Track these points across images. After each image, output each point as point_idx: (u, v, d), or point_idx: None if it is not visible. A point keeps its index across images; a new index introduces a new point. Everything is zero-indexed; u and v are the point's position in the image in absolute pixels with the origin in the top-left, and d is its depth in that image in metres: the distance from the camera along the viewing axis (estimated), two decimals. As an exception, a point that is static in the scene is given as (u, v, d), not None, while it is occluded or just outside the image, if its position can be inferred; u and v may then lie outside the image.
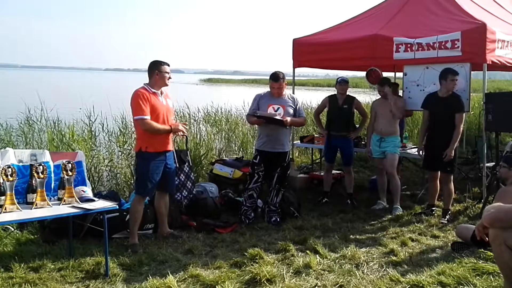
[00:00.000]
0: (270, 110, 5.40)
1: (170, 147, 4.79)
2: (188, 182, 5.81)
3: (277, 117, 5.30)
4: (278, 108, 5.37)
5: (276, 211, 5.62)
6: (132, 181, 6.71)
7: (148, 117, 4.47)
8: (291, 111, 5.43)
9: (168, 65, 4.70)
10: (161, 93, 4.71)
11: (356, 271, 4.04)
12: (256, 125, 5.92)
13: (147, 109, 4.48)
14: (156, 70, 4.62)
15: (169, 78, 4.69)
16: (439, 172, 5.72)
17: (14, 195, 3.67)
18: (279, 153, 5.46)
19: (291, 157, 8.16)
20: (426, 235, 5.10)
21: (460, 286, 3.67)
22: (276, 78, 5.35)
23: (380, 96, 6.43)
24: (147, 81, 4.67)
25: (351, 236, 5.05)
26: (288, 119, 5.33)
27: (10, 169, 3.66)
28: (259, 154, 5.51)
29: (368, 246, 4.73)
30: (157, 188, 4.82)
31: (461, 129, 5.59)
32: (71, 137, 7.90)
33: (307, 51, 7.32)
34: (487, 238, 3.08)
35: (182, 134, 4.89)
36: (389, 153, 6.10)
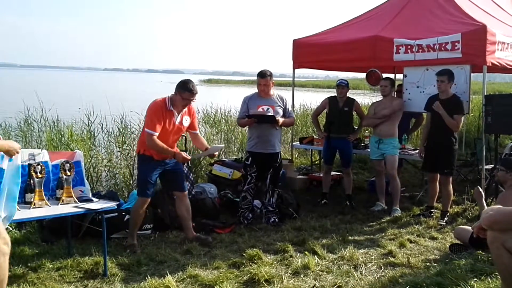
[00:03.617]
0: (260, 111, 5.41)
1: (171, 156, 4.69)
2: (187, 183, 5.82)
3: (269, 114, 5.32)
4: (268, 108, 5.39)
5: (273, 211, 5.63)
6: (131, 181, 6.71)
7: (156, 133, 4.44)
8: (280, 111, 5.45)
9: (193, 93, 4.49)
10: (180, 110, 4.59)
11: (354, 272, 4.04)
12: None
13: (158, 125, 4.44)
14: (180, 91, 4.51)
15: (189, 103, 4.56)
16: (438, 174, 5.71)
17: (12, 195, 3.67)
18: (271, 154, 5.48)
19: (290, 158, 8.19)
20: (425, 236, 5.10)
21: (458, 288, 3.66)
22: (263, 75, 5.37)
23: (381, 98, 6.44)
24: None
25: (350, 237, 5.05)
26: (280, 119, 5.37)
27: (8, 168, 3.65)
28: (251, 156, 5.53)
29: (367, 247, 4.73)
30: (171, 190, 4.98)
31: (458, 129, 5.58)
32: (70, 137, 7.87)
33: (307, 52, 7.33)
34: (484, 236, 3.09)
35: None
36: (388, 154, 6.10)
